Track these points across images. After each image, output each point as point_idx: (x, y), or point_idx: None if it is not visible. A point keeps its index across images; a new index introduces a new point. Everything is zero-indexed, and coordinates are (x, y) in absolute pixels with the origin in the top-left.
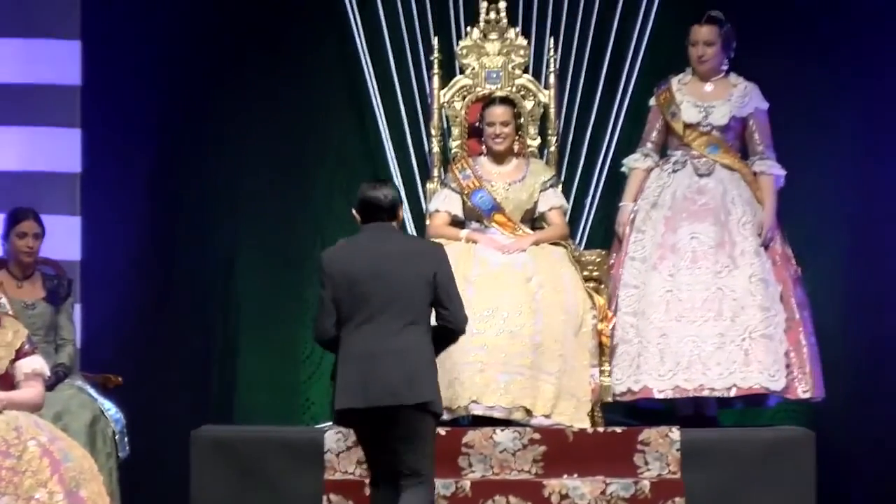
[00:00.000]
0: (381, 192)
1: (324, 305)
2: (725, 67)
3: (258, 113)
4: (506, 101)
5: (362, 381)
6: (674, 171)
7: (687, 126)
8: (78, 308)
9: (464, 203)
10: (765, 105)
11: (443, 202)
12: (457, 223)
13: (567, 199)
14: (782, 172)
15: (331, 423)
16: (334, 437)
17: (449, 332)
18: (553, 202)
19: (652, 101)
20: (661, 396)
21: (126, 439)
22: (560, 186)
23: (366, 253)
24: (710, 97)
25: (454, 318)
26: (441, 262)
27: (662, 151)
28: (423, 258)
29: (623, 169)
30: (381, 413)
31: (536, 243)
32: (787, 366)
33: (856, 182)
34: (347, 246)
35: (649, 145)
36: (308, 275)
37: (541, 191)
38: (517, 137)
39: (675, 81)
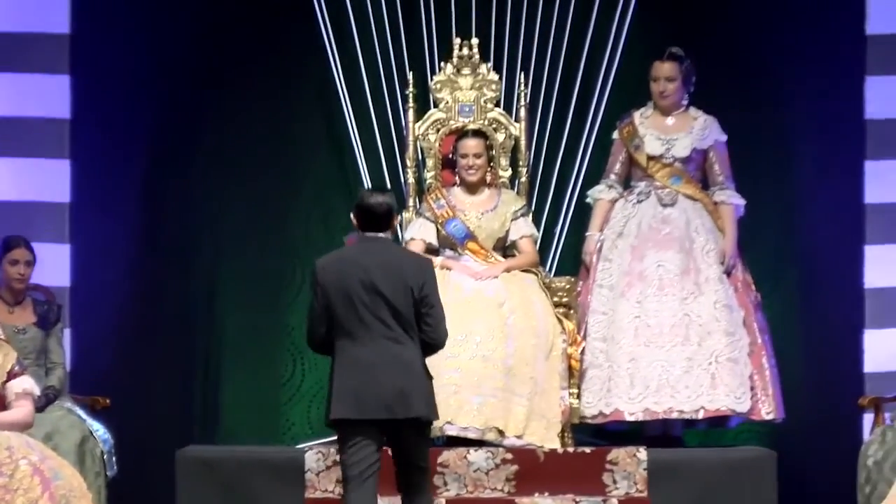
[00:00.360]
0: (377, 199)
1: (316, 313)
2: (686, 102)
3: (240, 145)
4: (478, 133)
5: (357, 393)
6: (638, 202)
7: (650, 158)
8: (67, 332)
9: (438, 231)
10: (723, 137)
11: (418, 230)
12: (431, 251)
13: (537, 227)
14: (742, 202)
15: (311, 443)
16: (314, 457)
17: (427, 346)
18: (524, 231)
19: (615, 135)
20: (631, 419)
21: (114, 459)
22: (530, 216)
23: (359, 264)
24: (672, 130)
25: (435, 333)
26: (428, 276)
27: (626, 183)
28: (412, 271)
29: (588, 200)
30: (375, 424)
31: (508, 270)
32: (752, 388)
33: (812, 211)
34: (340, 256)
35: (613, 177)
36: (287, 301)
37: (512, 220)
38: (489, 168)
39: (637, 115)
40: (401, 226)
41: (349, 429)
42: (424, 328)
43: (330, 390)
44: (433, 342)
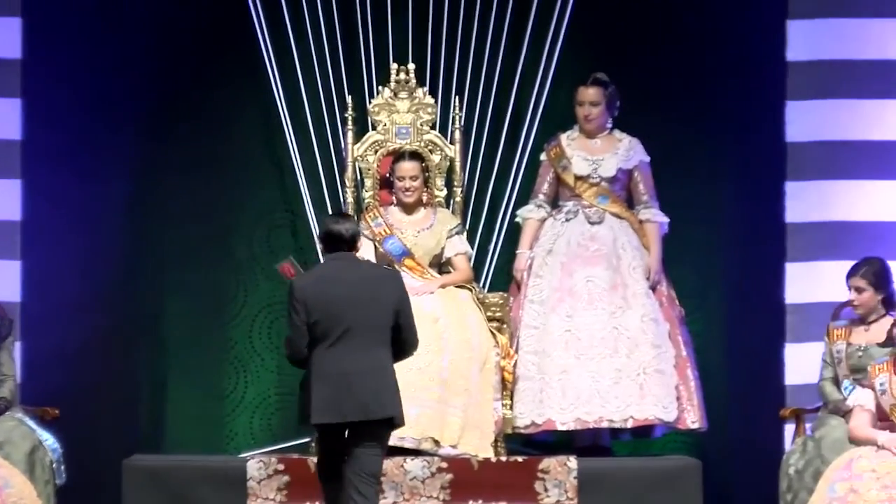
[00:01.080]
0: (343, 226)
1: (297, 329)
2: (610, 125)
3: (184, 167)
4: (414, 155)
5: (337, 399)
6: (567, 220)
7: (578, 178)
8: (18, 346)
9: (376, 249)
10: (647, 158)
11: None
12: None
13: (471, 245)
14: (665, 220)
15: (253, 453)
16: (256, 466)
17: (402, 352)
18: (458, 248)
19: (543, 157)
20: (563, 428)
21: (63, 467)
22: (464, 234)
23: (336, 281)
24: (598, 151)
25: (410, 343)
26: (402, 289)
27: (554, 202)
28: (386, 284)
29: (517, 219)
30: (351, 426)
31: (444, 286)
32: (678, 398)
33: (735, 230)
34: (317, 275)
35: (541, 197)
36: (230, 316)
37: (447, 237)
38: (425, 189)
39: (564, 137)
40: None
41: (328, 430)
42: (400, 338)
43: (308, 396)
44: (407, 349)
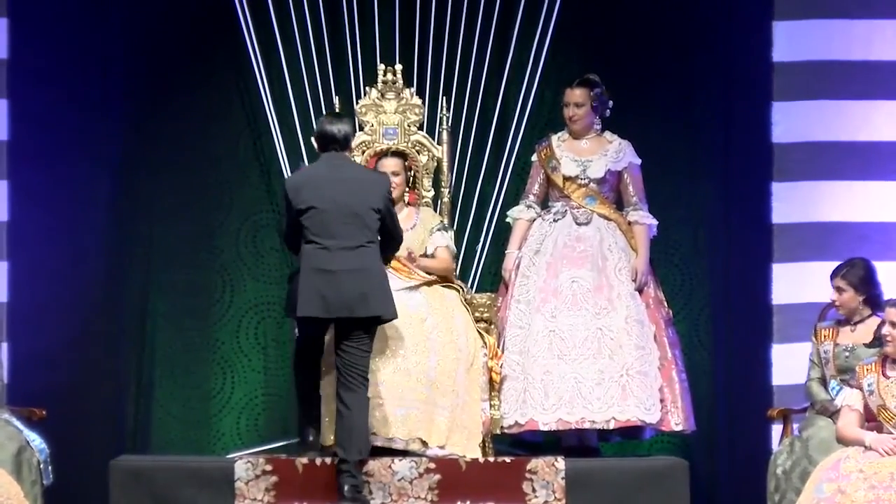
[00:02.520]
0: (336, 126)
1: (287, 225)
2: (598, 126)
3: (170, 167)
4: (397, 154)
5: (322, 295)
6: (555, 221)
7: (566, 179)
8: (4, 346)
9: None
10: (637, 160)
11: None
12: None
13: (458, 246)
14: (654, 222)
15: (240, 453)
16: (244, 467)
17: (388, 247)
18: (439, 242)
19: (533, 158)
20: (545, 428)
21: (50, 468)
22: (448, 232)
23: (324, 181)
24: (587, 153)
25: (395, 242)
26: (386, 188)
27: (544, 203)
28: (372, 187)
29: (508, 219)
30: (337, 323)
31: (424, 269)
32: (661, 400)
33: (722, 231)
34: (308, 173)
35: (531, 197)
36: (217, 316)
37: (430, 235)
38: (407, 188)
39: (554, 139)
40: None
41: (312, 325)
42: (387, 233)
43: (295, 289)
44: (393, 248)
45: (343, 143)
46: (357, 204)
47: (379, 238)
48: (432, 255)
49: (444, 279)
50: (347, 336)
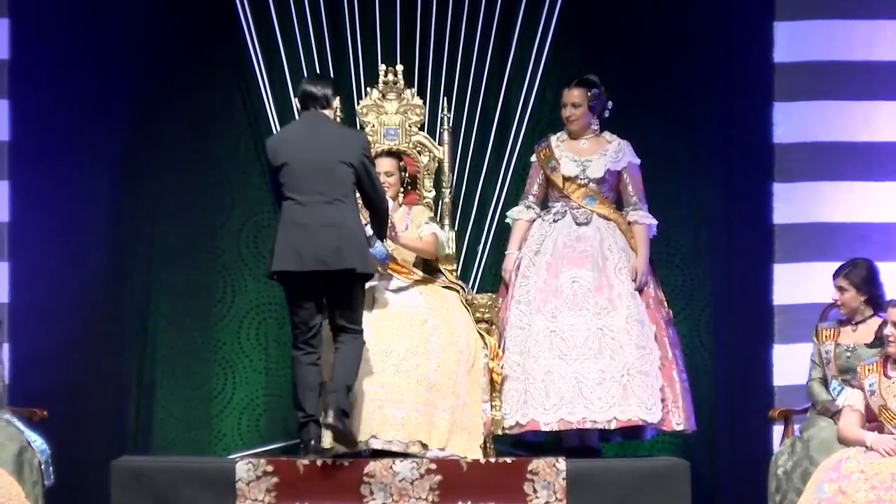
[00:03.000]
0: (316, 85)
1: (271, 184)
2: (596, 126)
3: (171, 167)
4: (391, 154)
5: (297, 249)
6: (554, 221)
7: (566, 179)
8: (6, 347)
9: None
10: (637, 160)
11: None
12: None
13: (459, 246)
14: (654, 221)
15: (242, 454)
16: (245, 468)
17: (373, 208)
18: (426, 230)
19: (533, 158)
20: (546, 429)
21: (51, 469)
22: (435, 223)
23: (299, 138)
24: (587, 153)
25: (375, 200)
26: (363, 148)
27: (544, 203)
28: (347, 142)
29: (507, 220)
30: (313, 276)
31: (406, 246)
32: (662, 400)
33: (723, 232)
34: (285, 133)
35: (531, 198)
36: (218, 317)
37: (416, 228)
38: (401, 189)
39: (553, 139)
40: None
41: (291, 283)
42: (365, 193)
43: (273, 247)
44: (376, 205)
45: (323, 102)
46: (330, 158)
47: (358, 196)
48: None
49: (435, 270)
50: (334, 301)
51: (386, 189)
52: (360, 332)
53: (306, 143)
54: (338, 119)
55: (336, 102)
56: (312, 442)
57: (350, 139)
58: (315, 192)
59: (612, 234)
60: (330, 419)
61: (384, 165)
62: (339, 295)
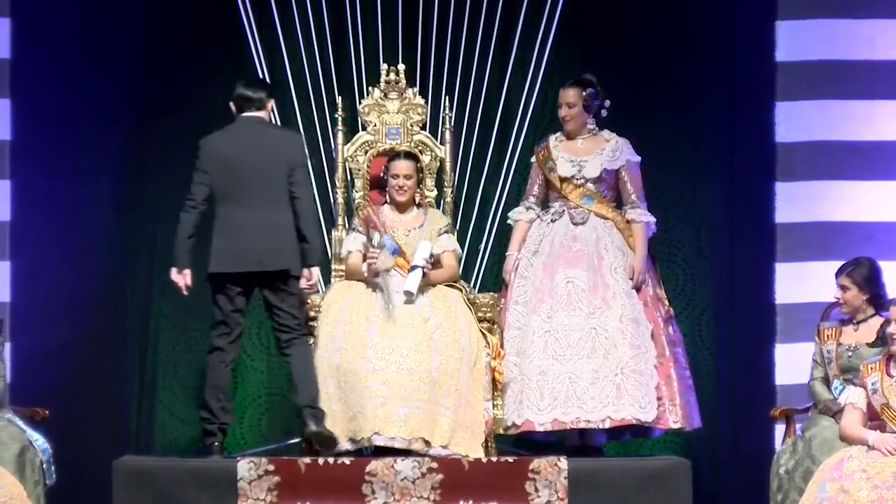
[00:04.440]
0: (250, 88)
1: (197, 182)
2: (592, 126)
3: (173, 166)
4: (409, 155)
5: (233, 250)
6: (552, 221)
7: (563, 179)
8: (7, 346)
9: (367, 242)
10: (636, 158)
11: (353, 244)
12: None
13: (461, 246)
14: (652, 219)
15: (243, 453)
16: (246, 467)
17: (297, 215)
18: (446, 246)
19: (532, 159)
20: (541, 429)
21: (53, 468)
22: (454, 233)
23: (237, 142)
24: (582, 152)
25: (302, 202)
26: (299, 151)
27: (544, 204)
28: (284, 145)
29: (508, 221)
30: (250, 277)
31: (431, 282)
32: (659, 398)
33: (725, 230)
34: (222, 135)
35: (531, 199)
36: None
37: (437, 236)
38: (417, 190)
39: (552, 139)
40: (331, 243)
41: (225, 282)
42: (293, 197)
43: (210, 248)
44: (301, 208)
45: (258, 104)
46: (267, 160)
47: (293, 198)
48: (437, 258)
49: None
50: (274, 304)
51: (405, 192)
52: (306, 333)
53: (243, 144)
54: (274, 121)
55: (271, 104)
56: (214, 444)
57: (286, 140)
58: (252, 193)
59: (608, 234)
60: (312, 427)
61: (402, 168)
62: (277, 296)
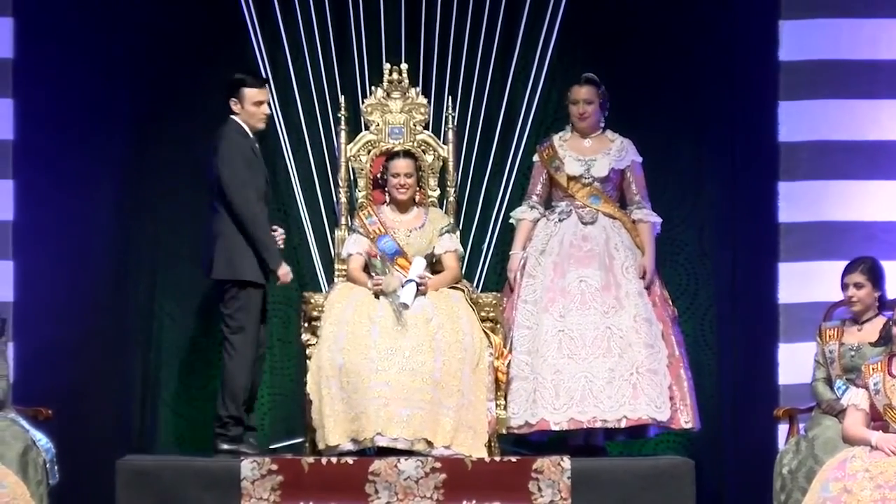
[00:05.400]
0: None
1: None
2: (602, 125)
3: (175, 167)
4: (409, 154)
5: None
6: (560, 221)
7: (570, 178)
8: (11, 346)
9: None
10: (639, 158)
11: (354, 245)
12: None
13: (464, 245)
14: (658, 220)
15: (246, 452)
16: (249, 466)
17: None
18: (448, 246)
19: (535, 158)
20: (556, 428)
21: (56, 468)
22: (456, 233)
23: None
24: (590, 152)
25: (232, 202)
26: (219, 149)
27: (547, 203)
28: (216, 150)
29: (511, 220)
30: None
31: (435, 288)
32: (671, 398)
33: (728, 230)
34: None
35: (534, 198)
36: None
37: (438, 235)
38: (418, 189)
39: (556, 138)
40: (333, 242)
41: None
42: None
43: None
44: (234, 208)
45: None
46: (211, 166)
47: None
48: (439, 259)
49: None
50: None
51: (406, 190)
52: (233, 344)
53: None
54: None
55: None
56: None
57: (217, 145)
58: (208, 200)
59: (617, 233)
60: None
61: (402, 167)
62: (222, 305)
